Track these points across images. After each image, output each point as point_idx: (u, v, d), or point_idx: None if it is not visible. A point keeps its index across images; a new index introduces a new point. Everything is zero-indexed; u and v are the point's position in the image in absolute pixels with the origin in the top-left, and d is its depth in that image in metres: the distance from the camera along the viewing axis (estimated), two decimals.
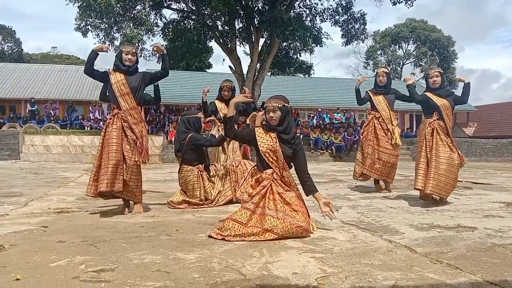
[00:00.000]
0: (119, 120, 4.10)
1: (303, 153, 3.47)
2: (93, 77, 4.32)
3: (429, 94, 4.95)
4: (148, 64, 46.77)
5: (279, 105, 3.34)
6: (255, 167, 3.50)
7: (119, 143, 4.04)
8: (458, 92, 5.24)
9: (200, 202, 4.61)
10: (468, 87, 5.01)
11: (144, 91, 4.39)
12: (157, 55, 18.87)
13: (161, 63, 4.45)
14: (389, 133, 5.86)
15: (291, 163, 3.41)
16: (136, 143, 4.13)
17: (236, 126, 3.55)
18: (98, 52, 4.21)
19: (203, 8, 16.80)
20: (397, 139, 5.87)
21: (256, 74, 18.08)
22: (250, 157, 5.71)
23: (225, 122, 3.42)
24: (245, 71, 18.21)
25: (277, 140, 3.35)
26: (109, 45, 17.45)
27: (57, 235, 3.13)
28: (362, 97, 6.16)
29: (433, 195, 4.66)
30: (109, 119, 4.18)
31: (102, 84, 4.42)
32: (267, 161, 3.32)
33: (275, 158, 3.33)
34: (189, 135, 4.67)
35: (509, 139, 17.78)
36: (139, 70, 4.38)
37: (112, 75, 4.19)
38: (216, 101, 5.77)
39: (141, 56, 17.96)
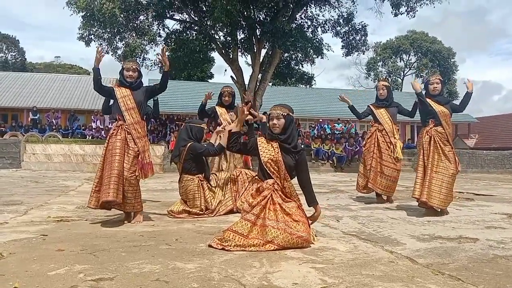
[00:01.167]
0: (123, 132, 4.11)
1: (306, 164, 3.46)
2: (102, 94, 4.38)
3: (428, 101, 4.98)
4: (150, 74, 46.99)
5: (283, 113, 3.32)
6: (256, 176, 3.49)
7: (122, 153, 4.04)
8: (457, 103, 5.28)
9: (200, 212, 4.59)
10: (469, 97, 5.06)
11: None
12: (160, 65, 19.00)
13: (161, 78, 4.40)
14: (392, 146, 5.87)
15: (293, 174, 3.40)
16: (138, 156, 4.13)
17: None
18: (99, 68, 4.22)
19: (206, 19, 16.93)
20: (398, 153, 5.87)
21: (258, 84, 18.14)
22: (251, 167, 5.70)
23: (229, 136, 3.44)
24: (246, 82, 18.28)
25: (279, 150, 3.33)
26: (112, 54, 17.59)
27: (56, 244, 3.12)
28: (360, 112, 6.17)
29: (433, 205, 4.67)
30: (113, 129, 4.17)
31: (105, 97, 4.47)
32: (269, 171, 3.31)
33: (277, 169, 3.31)
34: (189, 144, 4.66)
35: (510, 151, 17.74)
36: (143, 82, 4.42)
37: (118, 90, 4.21)
38: (216, 107, 5.77)
39: (142, 65, 18.05)
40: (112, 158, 4.00)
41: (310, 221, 3.34)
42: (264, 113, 4.91)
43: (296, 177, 3.44)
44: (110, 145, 4.08)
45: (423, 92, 5.08)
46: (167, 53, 4.50)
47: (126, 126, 4.12)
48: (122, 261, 2.66)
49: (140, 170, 4.16)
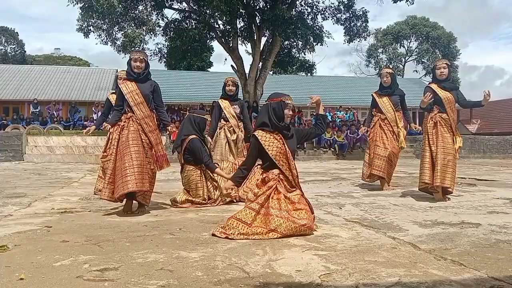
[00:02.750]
0: (135, 123, 4.09)
1: (300, 129, 3.55)
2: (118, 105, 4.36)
3: (433, 86, 4.93)
4: (151, 65, 46.79)
5: (293, 104, 3.37)
6: (259, 165, 3.48)
7: (139, 144, 4.03)
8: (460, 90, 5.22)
9: (203, 202, 4.62)
10: (477, 106, 4.96)
11: None
12: (159, 55, 19.03)
13: (163, 119, 4.43)
14: (395, 135, 5.85)
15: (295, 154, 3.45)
16: (151, 149, 4.15)
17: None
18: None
19: (205, 7, 16.80)
20: (402, 142, 5.87)
21: (258, 73, 18.07)
22: None
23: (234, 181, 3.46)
24: (247, 70, 18.20)
25: (283, 141, 3.33)
26: (111, 45, 17.51)
27: (61, 235, 3.14)
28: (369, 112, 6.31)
29: (447, 187, 4.64)
30: (123, 122, 4.14)
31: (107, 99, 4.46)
32: (278, 164, 3.28)
33: (286, 161, 3.30)
34: (191, 137, 4.64)
35: None
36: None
37: (123, 86, 4.17)
38: (220, 100, 5.72)
39: None
40: (130, 150, 3.97)
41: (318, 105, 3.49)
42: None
43: (313, 140, 3.52)
44: (123, 137, 4.04)
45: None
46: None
47: (137, 119, 4.10)
48: (126, 251, 2.68)
49: (155, 162, 4.18)
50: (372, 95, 6.14)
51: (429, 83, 5.08)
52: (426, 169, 4.77)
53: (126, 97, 4.13)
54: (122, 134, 4.07)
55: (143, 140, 4.09)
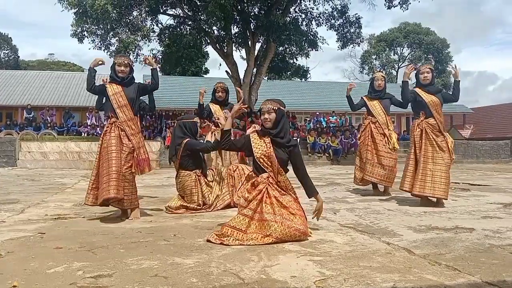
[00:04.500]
0: (117, 129, 4.11)
1: (300, 158, 3.47)
2: (95, 93, 4.36)
3: (418, 90, 4.99)
4: (145, 70, 46.80)
5: (274, 107, 3.35)
6: (251, 173, 3.50)
7: (118, 150, 4.04)
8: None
9: (198, 207, 4.60)
10: (458, 85, 5.06)
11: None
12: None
13: (151, 77, 4.43)
14: (386, 138, 5.88)
15: (287, 168, 3.42)
16: (133, 152, 4.14)
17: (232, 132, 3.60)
18: (96, 69, 4.22)
19: (199, 13, 16.87)
20: (394, 144, 5.89)
21: (253, 78, 18.13)
22: (248, 162, 5.70)
23: (222, 134, 3.49)
24: (241, 76, 18.24)
25: (271, 145, 3.35)
26: (105, 51, 17.49)
27: (54, 242, 3.11)
28: (355, 103, 6.18)
29: (427, 196, 4.69)
30: (107, 127, 4.18)
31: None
32: (262, 166, 3.33)
33: (270, 163, 3.32)
34: (185, 141, 4.65)
35: (505, 141, 17.84)
36: (135, 76, 4.40)
37: (109, 87, 4.19)
38: (210, 104, 5.73)
39: (136, 61, 17.97)
40: (109, 156, 4.00)
41: (316, 214, 3.44)
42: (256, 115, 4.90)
43: (293, 171, 3.46)
44: (105, 142, 4.09)
45: (411, 83, 5.09)
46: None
47: (119, 123, 4.12)
48: (120, 257, 2.66)
49: (136, 166, 4.17)
50: (362, 97, 6.18)
51: (414, 88, 5.13)
52: (407, 177, 4.87)
53: (110, 99, 4.15)
54: (104, 139, 4.11)
55: (125, 144, 4.10)
